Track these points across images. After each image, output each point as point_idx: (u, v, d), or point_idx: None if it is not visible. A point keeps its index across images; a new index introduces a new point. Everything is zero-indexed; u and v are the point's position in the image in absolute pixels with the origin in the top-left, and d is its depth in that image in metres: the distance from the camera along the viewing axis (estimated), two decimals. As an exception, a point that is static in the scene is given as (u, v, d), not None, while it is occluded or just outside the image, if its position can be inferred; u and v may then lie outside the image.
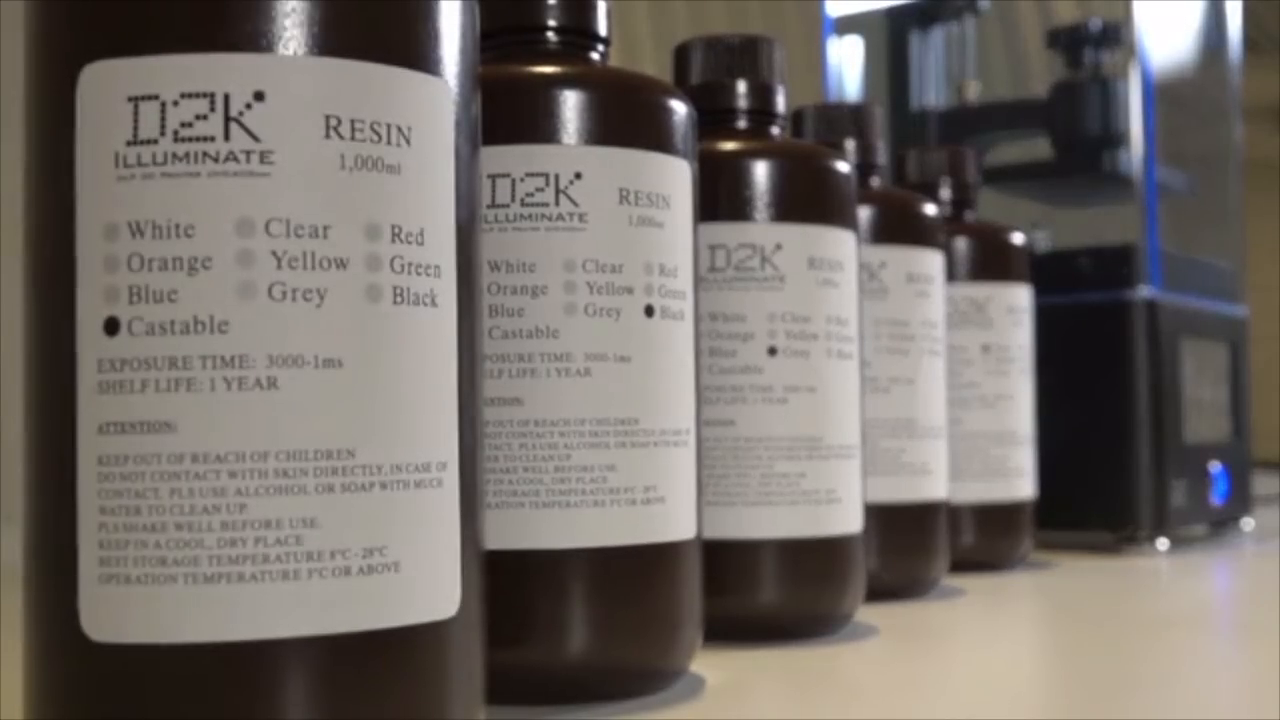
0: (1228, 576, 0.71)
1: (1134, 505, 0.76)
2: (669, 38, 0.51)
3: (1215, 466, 0.82)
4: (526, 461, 0.35)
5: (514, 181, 0.35)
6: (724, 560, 0.44)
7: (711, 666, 0.40)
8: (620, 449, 0.35)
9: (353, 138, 0.26)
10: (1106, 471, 0.76)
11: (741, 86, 0.47)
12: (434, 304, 0.27)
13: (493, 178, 0.35)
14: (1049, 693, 0.40)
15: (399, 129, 0.26)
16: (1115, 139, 0.82)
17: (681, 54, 0.48)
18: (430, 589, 0.27)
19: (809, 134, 0.60)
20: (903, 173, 0.70)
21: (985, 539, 0.66)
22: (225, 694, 0.25)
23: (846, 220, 0.47)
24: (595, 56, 0.38)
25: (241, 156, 0.25)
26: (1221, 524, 0.86)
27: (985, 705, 0.37)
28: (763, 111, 0.47)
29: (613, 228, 0.35)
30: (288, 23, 0.25)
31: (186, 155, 0.25)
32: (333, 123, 0.26)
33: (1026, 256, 0.69)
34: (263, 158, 0.25)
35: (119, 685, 0.25)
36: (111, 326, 0.25)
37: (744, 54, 0.47)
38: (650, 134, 0.36)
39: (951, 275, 0.65)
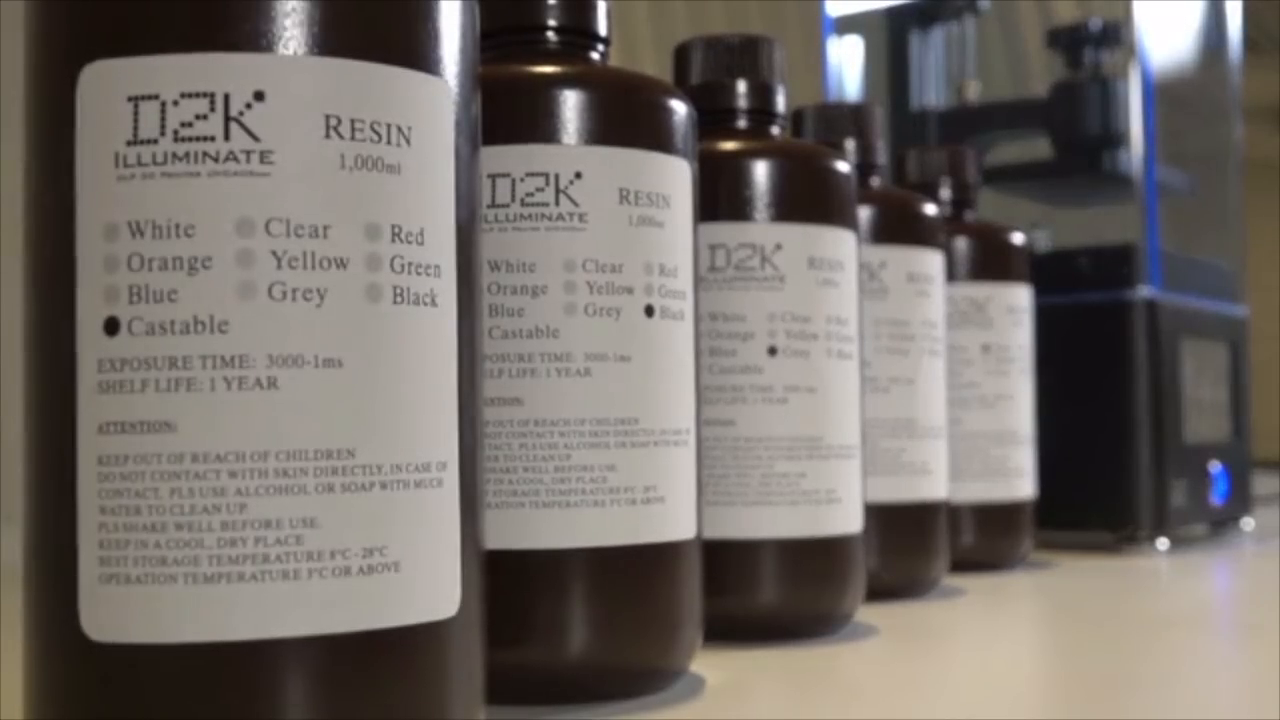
0: (1228, 576, 0.71)
1: (1134, 505, 0.76)
2: (669, 38, 0.51)
3: (1215, 466, 0.82)
4: (526, 461, 0.35)
5: (514, 181, 0.35)
6: (724, 560, 0.44)
7: (711, 666, 0.40)
8: (620, 449, 0.35)
9: (353, 138, 0.26)
10: (1106, 471, 0.76)
11: (741, 86, 0.47)
12: (434, 304, 0.27)
13: (493, 178, 0.35)
14: (1049, 693, 0.40)
15: (399, 129, 0.26)
16: (1115, 139, 0.82)
17: (681, 54, 0.48)
18: (430, 589, 0.27)
19: (809, 134, 0.60)
20: (903, 173, 0.70)
21: (985, 539, 0.66)
22: (225, 694, 0.25)
23: (846, 220, 0.47)
24: (595, 56, 0.38)
25: (241, 156, 0.25)
26: (1221, 524, 0.86)
27: (985, 705, 0.37)
28: (763, 111, 0.47)
29: (613, 228, 0.35)
30: (288, 23, 0.25)
31: (186, 155, 0.25)
32: (333, 123, 0.26)
33: (1026, 256, 0.69)
34: (263, 158, 0.25)
35: (119, 685, 0.25)
36: (111, 326, 0.25)
37: (744, 54, 0.47)
38: (650, 134, 0.36)
39: (951, 275, 0.65)
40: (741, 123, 0.47)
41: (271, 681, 0.25)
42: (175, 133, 0.25)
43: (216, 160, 0.25)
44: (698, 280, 0.38)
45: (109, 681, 0.25)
